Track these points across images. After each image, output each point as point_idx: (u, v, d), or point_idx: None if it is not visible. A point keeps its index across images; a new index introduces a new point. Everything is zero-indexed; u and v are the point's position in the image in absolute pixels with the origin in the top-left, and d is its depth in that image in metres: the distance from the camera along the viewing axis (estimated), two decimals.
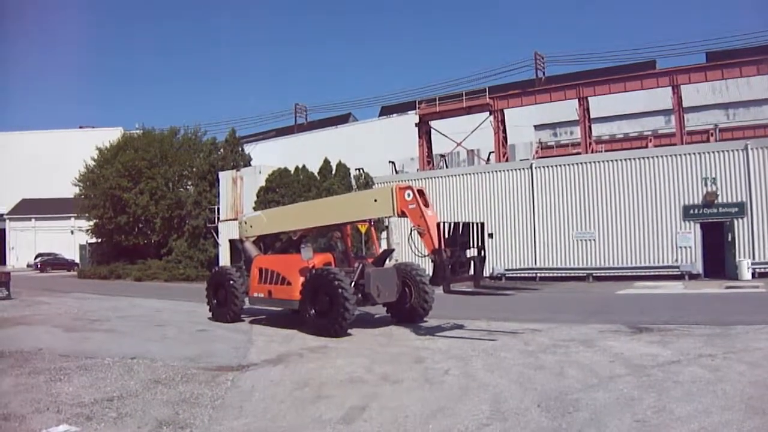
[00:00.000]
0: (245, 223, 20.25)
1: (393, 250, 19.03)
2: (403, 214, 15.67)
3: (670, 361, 10.97)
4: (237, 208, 42.03)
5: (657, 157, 32.82)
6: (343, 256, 17.62)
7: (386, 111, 77.22)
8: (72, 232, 69.27)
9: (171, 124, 77.10)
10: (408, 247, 16.58)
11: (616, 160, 33.87)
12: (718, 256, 31.03)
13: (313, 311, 15.55)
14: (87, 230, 54.89)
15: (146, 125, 57.84)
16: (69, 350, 13.46)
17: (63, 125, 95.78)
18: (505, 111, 48.62)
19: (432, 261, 15.14)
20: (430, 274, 15.94)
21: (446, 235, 14.80)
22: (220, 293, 18.75)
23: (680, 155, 32.19)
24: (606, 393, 8.85)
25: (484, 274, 16.93)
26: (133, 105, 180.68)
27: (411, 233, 15.59)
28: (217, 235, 43.87)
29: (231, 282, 18.41)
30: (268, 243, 20.02)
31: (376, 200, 16.29)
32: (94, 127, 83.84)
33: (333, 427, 7.70)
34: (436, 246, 14.64)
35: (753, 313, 17.41)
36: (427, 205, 15.47)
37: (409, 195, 15.37)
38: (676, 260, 31.37)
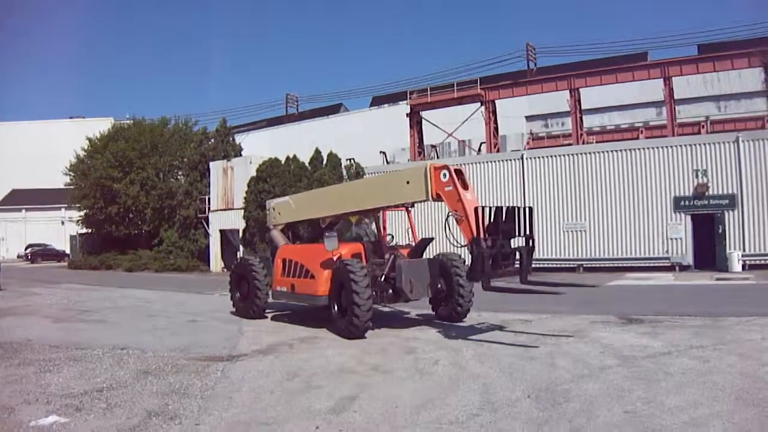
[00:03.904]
0: (273, 209, 18.61)
1: (432, 239, 16.11)
2: (438, 198, 13.64)
3: (660, 352, 11.00)
4: (227, 198, 42.14)
5: (648, 148, 32.82)
6: (375, 246, 15.85)
7: (377, 101, 77.10)
8: (62, 223, 69.22)
9: (162, 114, 76.89)
10: (439, 236, 14.64)
11: (607, 152, 33.85)
12: (708, 248, 31.08)
13: (337, 308, 14.07)
14: (77, 221, 54.63)
15: (137, 115, 57.60)
16: (59, 341, 13.43)
17: (53, 116, 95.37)
18: (497, 102, 48.69)
19: (470, 252, 13.00)
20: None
21: (487, 222, 12.89)
22: (243, 286, 17.38)
23: (671, 147, 32.21)
24: (596, 384, 8.88)
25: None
26: (123, 95, 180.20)
27: (447, 219, 13.51)
28: (208, 225, 43.86)
29: (254, 274, 16.91)
30: (296, 231, 18.71)
31: (408, 182, 14.13)
32: (85, 118, 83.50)
33: (323, 418, 7.69)
34: (475, 234, 12.70)
35: (743, 304, 17.47)
36: (465, 187, 13.39)
37: (445, 175, 13.34)
38: (667, 252, 31.45)
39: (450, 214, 13.37)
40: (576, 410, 7.67)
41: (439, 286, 15.15)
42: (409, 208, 16.32)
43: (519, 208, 13.49)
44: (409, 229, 16.37)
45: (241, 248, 40.22)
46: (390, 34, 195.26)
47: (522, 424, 7.24)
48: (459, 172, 13.43)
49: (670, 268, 30.66)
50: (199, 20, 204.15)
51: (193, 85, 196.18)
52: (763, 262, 29.42)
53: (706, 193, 30.80)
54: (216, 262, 43.15)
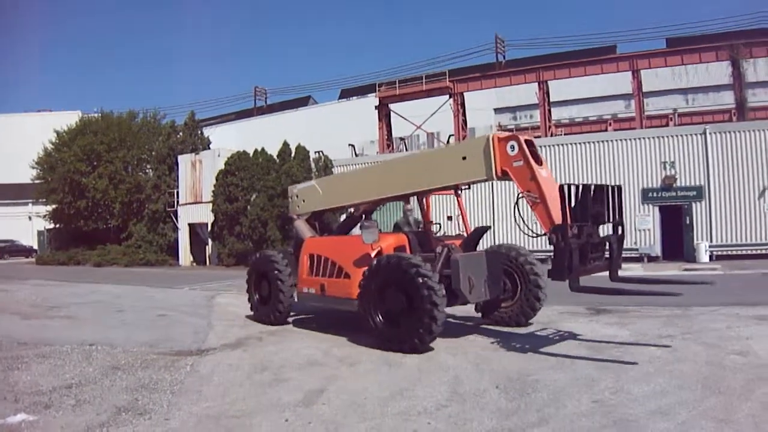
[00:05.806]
0: (296, 196, 15.86)
1: (488, 227, 13.82)
2: (504, 176, 11.04)
3: (628, 341, 11.14)
4: (196, 191, 41.85)
5: (616, 140, 33.05)
6: (421, 237, 13.09)
7: (346, 94, 76.99)
8: (30, 218, 68.19)
9: (130, 107, 76.08)
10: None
11: (576, 144, 33.99)
12: (676, 239, 31.43)
13: (380, 317, 11.45)
14: (45, 216, 53.93)
15: (105, 109, 56.84)
16: (27, 338, 13.29)
17: (20, 109, 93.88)
18: (465, 94, 48.98)
19: (550, 243, 10.48)
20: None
21: (570, 204, 10.16)
22: (263, 286, 14.87)
23: (639, 139, 32.47)
24: (565, 374, 8.95)
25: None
26: (91, 89, 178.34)
27: (518, 202, 11.09)
28: (177, 219, 43.58)
29: (276, 272, 14.38)
30: (325, 221, 16.03)
31: (465, 158, 11.46)
32: (52, 111, 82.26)
33: (292, 410, 7.69)
34: (558, 221, 10.21)
35: (710, 294, 17.54)
36: (540, 162, 10.93)
37: (513, 148, 10.79)
38: (636, 243, 31.72)
39: (520, 195, 11.00)
40: (545, 400, 7.73)
41: (508, 284, 13.01)
42: (459, 192, 13.78)
43: (607, 187, 10.98)
44: (459, 216, 13.87)
45: (210, 242, 40.15)
46: (359, 26, 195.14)
47: (490, 414, 7.29)
48: (530, 143, 11.01)
49: (639, 259, 30.87)
50: (166, 12, 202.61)
51: (161, 78, 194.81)
52: (729, 252, 29.86)
53: (674, 185, 31.15)
54: (185, 256, 42.89)
